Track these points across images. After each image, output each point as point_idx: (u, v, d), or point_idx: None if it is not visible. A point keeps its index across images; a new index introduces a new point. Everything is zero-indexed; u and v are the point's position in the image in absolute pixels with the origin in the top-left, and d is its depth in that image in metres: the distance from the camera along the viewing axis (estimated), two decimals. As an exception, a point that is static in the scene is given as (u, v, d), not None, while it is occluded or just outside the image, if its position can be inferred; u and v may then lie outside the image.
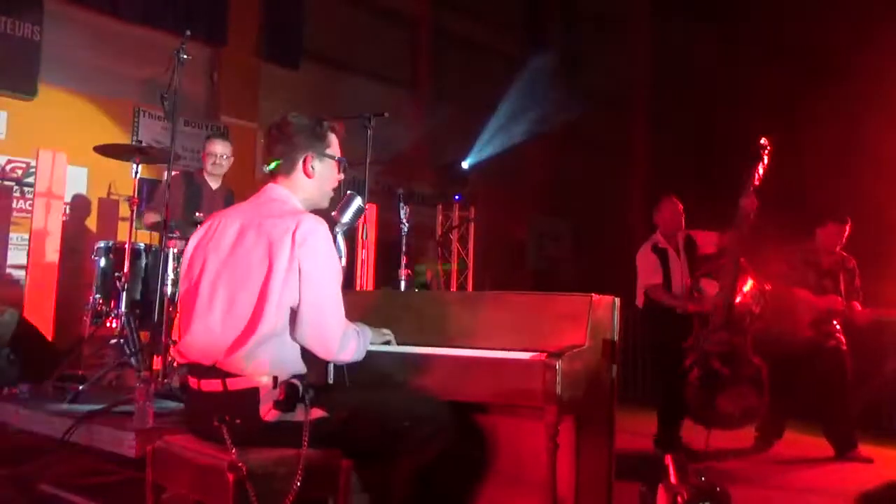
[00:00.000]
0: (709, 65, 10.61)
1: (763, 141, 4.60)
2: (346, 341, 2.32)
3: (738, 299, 4.55)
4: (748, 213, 4.51)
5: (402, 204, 5.53)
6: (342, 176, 2.54)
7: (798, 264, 5.18)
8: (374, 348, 2.57)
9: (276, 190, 2.44)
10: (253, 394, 2.21)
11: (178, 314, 4.16)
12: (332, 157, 2.48)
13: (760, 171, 4.56)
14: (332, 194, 2.54)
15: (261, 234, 2.27)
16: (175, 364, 4.00)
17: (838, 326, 5.10)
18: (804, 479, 4.53)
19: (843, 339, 5.09)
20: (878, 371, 6.34)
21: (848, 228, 5.18)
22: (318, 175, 2.45)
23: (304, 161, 2.42)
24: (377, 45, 10.25)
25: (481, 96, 11.32)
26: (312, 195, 2.47)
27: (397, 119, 9.21)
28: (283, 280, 2.21)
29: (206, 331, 2.28)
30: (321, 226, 2.29)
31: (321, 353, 2.31)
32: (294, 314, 2.25)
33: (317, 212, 2.45)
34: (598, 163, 11.51)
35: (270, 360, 2.23)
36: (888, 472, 4.65)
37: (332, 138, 2.50)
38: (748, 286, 4.60)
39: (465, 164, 9.99)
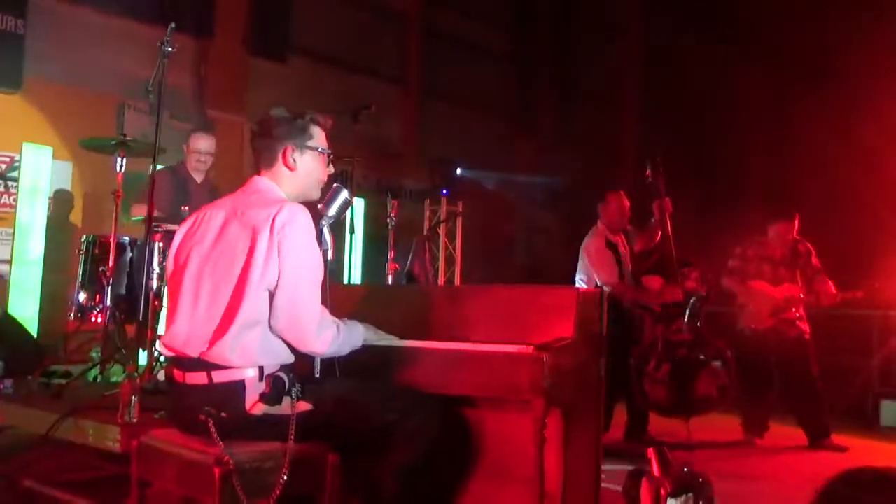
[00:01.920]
0: (699, 63, 10.64)
1: (651, 160, 4.95)
2: (321, 331, 2.28)
3: (684, 285, 4.69)
4: (664, 214, 4.85)
5: (389, 198, 5.53)
6: (331, 169, 2.52)
7: (752, 258, 5.27)
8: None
9: (260, 181, 2.45)
10: (238, 387, 2.21)
11: (163, 308, 4.15)
12: (314, 149, 2.46)
13: (655, 182, 4.88)
14: (319, 187, 2.51)
15: (243, 223, 2.27)
16: (161, 358, 3.98)
17: (799, 314, 5.14)
18: (777, 467, 4.59)
19: (807, 328, 5.14)
20: (863, 365, 6.42)
21: (797, 223, 5.27)
22: (301, 167, 2.44)
23: (284, 153, 2.42)
24: (366, 40, 10.21)
25: (471, 92, 11.31)
26: (296, 188, 2.46)
27: (385, 114, 9.20)
28: (263, 265, 2.21)
29: (190, 321, 2.28)
30: (302, 213, 2.28)
31: (294, 340, 2.27)
32: (270, 303, 2.24)
33: (304, 204, 2.44)
34: (587, 158, 11.52)
35: (255, 349, 2.22)
36: (862, 460, 4.70)
37: (316, 131, 2.48)
38: (688, 271, 4.77)
39: (458, 171, 9.96)
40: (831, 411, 5.19)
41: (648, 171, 4.98)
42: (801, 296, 5.11)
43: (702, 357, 4.61)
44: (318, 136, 2.49)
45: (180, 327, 2.29)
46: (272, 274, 2.22)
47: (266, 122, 2.45)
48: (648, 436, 4.79)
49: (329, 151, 2.51)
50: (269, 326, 2.25)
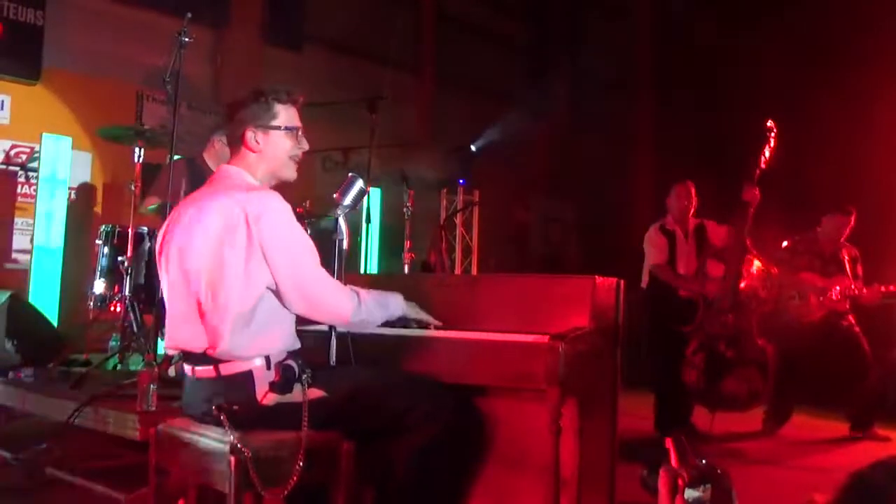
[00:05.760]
0: (713, 47, 10.52)
1: (769, 123, 4.60)
2: (340, 300, 2.28)
3: (744, 282, 4.58)
4: (750, 205, 4.54)
5: (405, 188, 5.51)
6: (305, 146, 2.43)
7: (802, 252, 5.24)
8: (376, 330, 2.56)
9: (227, 170, 2.39)
10: (247, 377, 2.21)
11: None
12: (278, 128, 2.36)
13: (767, 154, 4.58)
14: (293, 165, 2.43)
15: (214, 216, 2.22)
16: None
17: (848, 307, 5.14)
18: (814, 459, 4.56)
19: (855, 321, 5.13)
20: (886, 355, 6.35)
21: (852, 220, 5.23)
22: (265, 148, 2.36)
23: (244, 135, 2.35)
24: (381, 28, 10.19)
25: (486, 80, 11.26)
26: (265, 169, 2.38)
27: (401, 102, 9.18)
28: (245, 259, 2.17)
29: (187, 322, 2.26)
30: (272, 198, 2.24)
31: (319, 317, 2.31)
32: (277, 294, 2.23)
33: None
34: (602, 146, 11.45)
35: (256, 341, 2.21)
36: (885, 451, 4.67)
37: (280, 108, 2.36)
38: (755, 269, 4.64)
39: (473, 148, 9.93)
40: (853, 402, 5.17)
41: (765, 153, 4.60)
42: (853, 287, 5.09)
43: (738, 356, 4.54)
44: (284, 114, 2.37)
45: (179, 329, 2.28)
46: (259, 268, 2.18)
47: (230, 106, 2.40)
48: (687, 426, 4.74)
49: (297, 127, 2.41)
50: (295, 312, 2.27)
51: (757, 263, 4.67)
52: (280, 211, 2.23)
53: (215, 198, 2.26)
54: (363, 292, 2.36)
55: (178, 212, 2.36)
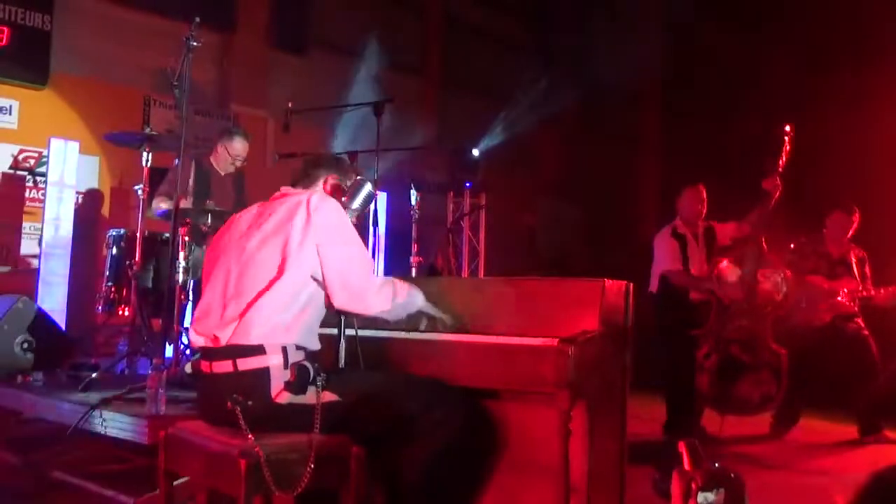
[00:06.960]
0: (721, 50, 10.50)
1: (787, 128, 4.61)
2: (380, 288, 2.43)
3: (759, 286, 4.56)
4: (771, 197, 4.53)
5: (412, 192, 5.52)
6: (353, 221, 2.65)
7: (809, 254, 5.22)
8: (385, 334, 2.57)
9: (290, 189, 2.57)
10: (264, 374, 2.24)
11: (190, 302, 4.18)
12: (347, 195, 2.60)
13: (783, 157, 4.59)
14: None
15: (276, 212, 2.38)
16: (188, 351, 4.02)
17: (856, 310, 5.10)
18: (824, 462, 4.54)
19: (863, 324, 5.10)
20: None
21: (856, 219, 5.20)
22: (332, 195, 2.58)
23: (326, 180, 2.58)
24: (387, 32, 10.20)
25: (492, 83, 11.27)
26: None
27: (407, 106, 9.19)
28: (300, 240, 2.30)
29: (217, 302, 2.35)
30: (333, 199, 2.44)
31: (357, 307, 2.40)
32: (320, 283, 2.34)
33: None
34: (609, 149, 11.43)
35: (287, 328, 2.28)
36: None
37: (353, 175, 2.66)
38: (770, 273, 4.62)
39: (475, 152, 9.91)
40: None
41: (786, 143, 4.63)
42: (863, 289, 5.07)
43: (752, 361, 4.52)
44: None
45: (208, 307, 2.37)
46: (309, 253, 2.30)
47: (317, 156, 2.74)
48: (697, 430, 4.71)
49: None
50: (333, 304, 2.37)
51: (772, 267, 4.66)
52: (338, 208, 2.42)
53: (278, 200, 2.47)
54: (398, 287, 2.50)
55: (239, 216, 2.53)
